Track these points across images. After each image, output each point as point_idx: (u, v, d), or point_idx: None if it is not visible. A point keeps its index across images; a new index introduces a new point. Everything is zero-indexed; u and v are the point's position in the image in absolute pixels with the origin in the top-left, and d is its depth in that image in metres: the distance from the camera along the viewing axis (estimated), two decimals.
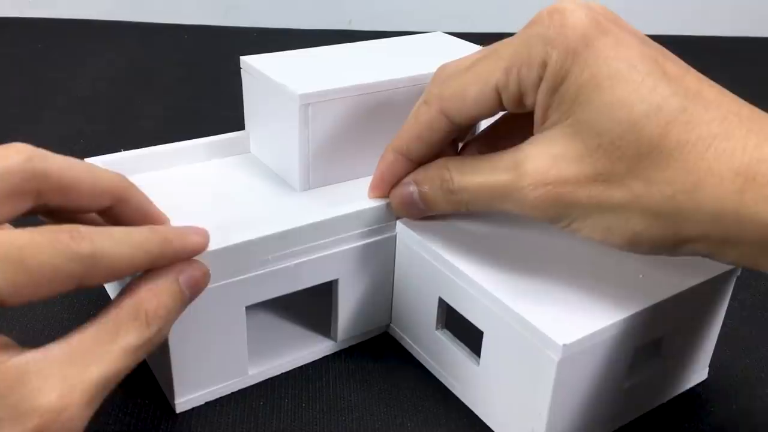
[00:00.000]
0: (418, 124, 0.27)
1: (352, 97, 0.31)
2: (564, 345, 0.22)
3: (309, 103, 0.29)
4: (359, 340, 0.31)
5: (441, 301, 0.27)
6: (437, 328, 0.28)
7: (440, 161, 0.26)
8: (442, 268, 0.27)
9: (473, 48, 0.37)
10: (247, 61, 0.33)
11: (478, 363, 0.26)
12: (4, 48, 0.68)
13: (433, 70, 0.34)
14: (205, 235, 0.23)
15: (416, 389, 0.28)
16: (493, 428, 0.27)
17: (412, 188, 0.27)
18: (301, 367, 0.29)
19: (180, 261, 0.22)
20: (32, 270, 0.18)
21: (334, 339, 0.30)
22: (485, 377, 0.26)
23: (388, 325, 0.31)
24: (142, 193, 0.24)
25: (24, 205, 0.21)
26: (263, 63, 0.33)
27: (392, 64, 0.33)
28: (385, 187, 0.28)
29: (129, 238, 0.20)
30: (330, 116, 0.30)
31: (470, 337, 0.27)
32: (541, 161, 0.23)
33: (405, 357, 0.30)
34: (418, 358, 0.30)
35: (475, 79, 0.25)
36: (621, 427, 0.27)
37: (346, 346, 0.30)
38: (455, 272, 0.26)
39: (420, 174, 0.27)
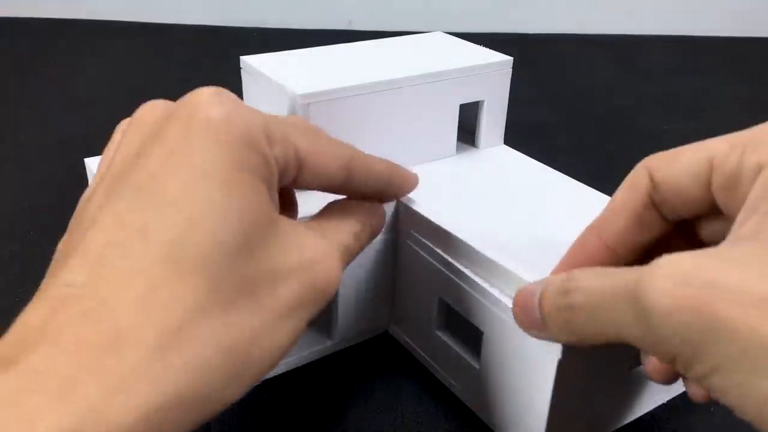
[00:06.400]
0: (620, 188, 0.22)
1: (352, 97, 0.31)
2: (564, 345, 0.22)
3: (309, 103, 0.29)
4: (359, 340, 0.31)
5: (441, 302, 0.27)
6: (437, 329, 0.28)
7: None
8: (442, 268, 0.27)
9: (473, 48, 0.37)
10: (247, 61, 0.33)
11: (479, 363, 0.26)
12: (4, 48, 0.68)
13: (434, 69, 0.34)
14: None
15: (416, 389, 0.28)
16: (493, 428, 0.27)
17: (540, 289, 0.21)
18: (301, 367, 0.29)
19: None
20: None
21: (334, 339, 0.30)
22: (485, 377, 0.26)
23: (388, 326, 0.31)
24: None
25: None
26: (263, 63, 0.33)
27: (392, 64, 0.33)
28: (563, 268, 0.23)
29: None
30: (330, 116, 0.30)
31: (470, 337, 0.27)
32: (694, 261, 0.16)
33: (405, 357, 0.30)
34: (418, 358, 0.30)
35: (694, 145, 0.20)
36: (621, 427, 0.27)
37: (345, 346, 0.30)
38: (455, 272, 0.26)
39: (555, 276, 0.21)
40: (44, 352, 0.15)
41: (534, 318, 0.21)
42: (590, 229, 0.23)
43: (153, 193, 0.17)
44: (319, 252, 0.20)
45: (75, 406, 0.14)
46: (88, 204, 0.19)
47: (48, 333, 0.15)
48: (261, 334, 0.17)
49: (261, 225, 0.18)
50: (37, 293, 0.16)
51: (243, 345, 0.17)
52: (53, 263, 0.19)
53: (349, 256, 0.22)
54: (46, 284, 0.17)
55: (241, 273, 0.17)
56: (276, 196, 0.20)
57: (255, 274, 0.18)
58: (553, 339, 0.20)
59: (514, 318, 0.22)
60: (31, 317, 0.16)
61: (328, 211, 0.23)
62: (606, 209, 0.22)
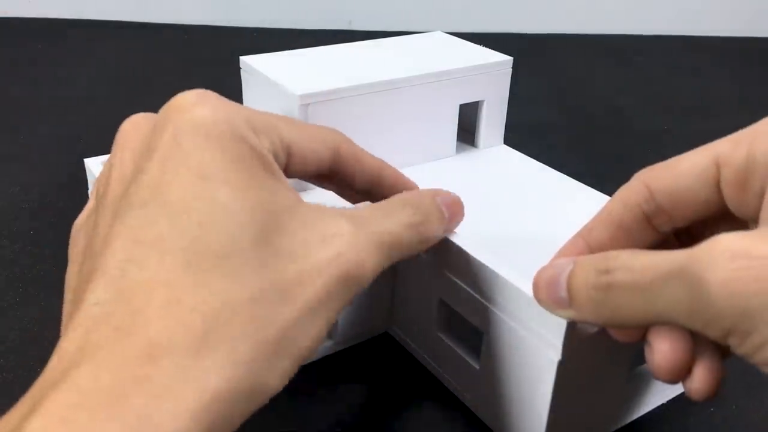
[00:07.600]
0: (612, 201, 0.22)
1: (352, 97, 0.31)
2: (564, 345, 0.22)
3: (309, 103, 0.29)
4: (359, 341, 0.31)
5: (441, 302, 0.27)
6: (438, 330, 0.28)
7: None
8: (442, 269, 0.27)
9: (473, 48, 0.37)
10: (247, 61, 0.33)
11: (479, 364, 0.26)
12: (4, 48, 0.68)
13: (434, 69, 0.34)
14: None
15: (416, 390, 0.28)
16: (493, 428, 0.27)
17: (568, 267, 0.20)
18: (301, 367, 0.29)
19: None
20: None
21: (334, 339, 0.30)
22: (485, 378, 0.26)
23: (388, 326, 0.31)
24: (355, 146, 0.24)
25: None
26: (263, 63, 0.33)
27: (392, 63, 0.33)
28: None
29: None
30: (330, 116, 0.30)
31: (470, 338, 0.27)
32: (748, 238, 0.16)
33: (405, 358, 0.30)
34: (418, 358, 0.30)
35: (693, 151, 0.20)
36: (621, 428, 0.27)
37: (346, 346, 0.30)
38: (455, 273, 0.26)
39: (586, 256, 0.20)
40: (86, 370, 0.15)
41: (558, 296, 0.20)
42: (578, 235, 0.23)
43: (159, 204, 0.17)
44: (346, 243, 0.19)
45: (125, 419, 0.14)
46: (95, 229, 0.19)
47: (86, 352, 0.15)
48: (293, 325, 0.18)
49: (273, 213, 0.18)
50: (66, 323, 0.17)
51: (274, 336, 0.17)
52: (70, 295, 0.19)
53: (397, 248, 0.21)
54: (72, 311, 0.17)
55: (262, 266, 0.17)
56: (286, 181, 0.20)
57: (278, 265, 0.18)
58: (576, 318, 0.20)
59: (534, 295, 0.21)
60: (67, 341, 0.16)
61: (384, 201, 0.23)
62: (594, 218, 0.22)
